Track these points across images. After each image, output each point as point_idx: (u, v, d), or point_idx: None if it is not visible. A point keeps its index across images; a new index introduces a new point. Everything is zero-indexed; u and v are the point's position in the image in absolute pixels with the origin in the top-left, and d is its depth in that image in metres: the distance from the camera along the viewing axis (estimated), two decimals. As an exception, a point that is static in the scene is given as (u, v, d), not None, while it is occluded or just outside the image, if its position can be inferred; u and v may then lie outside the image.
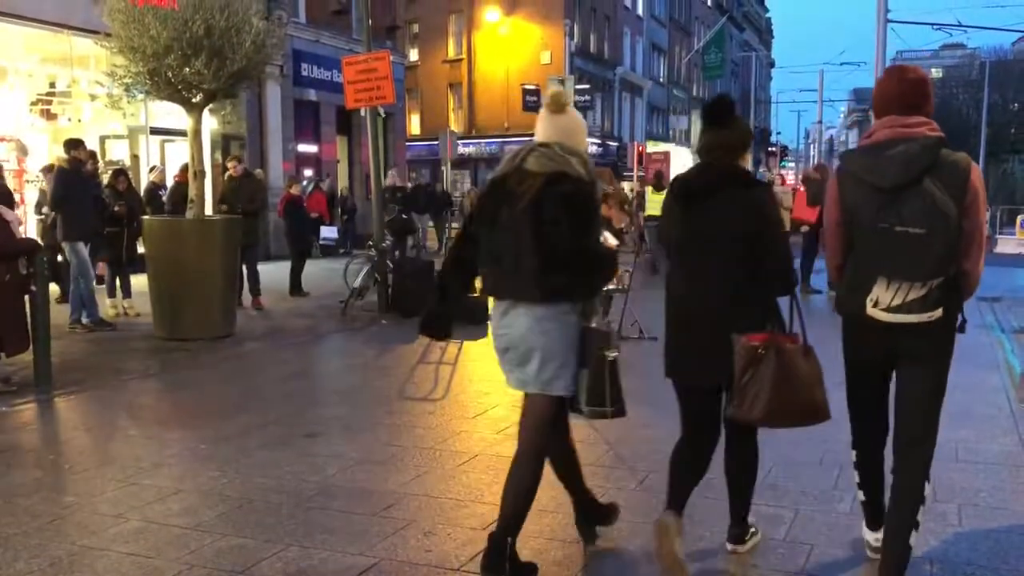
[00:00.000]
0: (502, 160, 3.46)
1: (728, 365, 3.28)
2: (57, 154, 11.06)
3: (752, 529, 3.73)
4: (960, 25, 27.38)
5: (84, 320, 9.30)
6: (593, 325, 3.38)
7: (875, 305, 3.12)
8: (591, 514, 3.81)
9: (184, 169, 11.52)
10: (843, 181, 3.25)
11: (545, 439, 3.45)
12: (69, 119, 14.62)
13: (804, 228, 12.40)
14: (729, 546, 3.69)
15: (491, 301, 3.46)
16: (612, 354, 3.34)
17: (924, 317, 3.06)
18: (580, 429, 5.71)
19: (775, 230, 3.41)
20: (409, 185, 22.53)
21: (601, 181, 9.06)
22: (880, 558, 3.29)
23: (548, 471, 4.76)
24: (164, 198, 12.25)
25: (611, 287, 9.42)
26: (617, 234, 8.71)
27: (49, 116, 14.53)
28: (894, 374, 3.31)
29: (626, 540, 3.83)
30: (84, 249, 9.20)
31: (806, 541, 3.81)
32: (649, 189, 18.17)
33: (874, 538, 3.55)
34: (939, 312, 3.06)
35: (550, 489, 4.47)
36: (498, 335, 3.42)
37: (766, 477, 4.67)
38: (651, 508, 4.19)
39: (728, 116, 3.49)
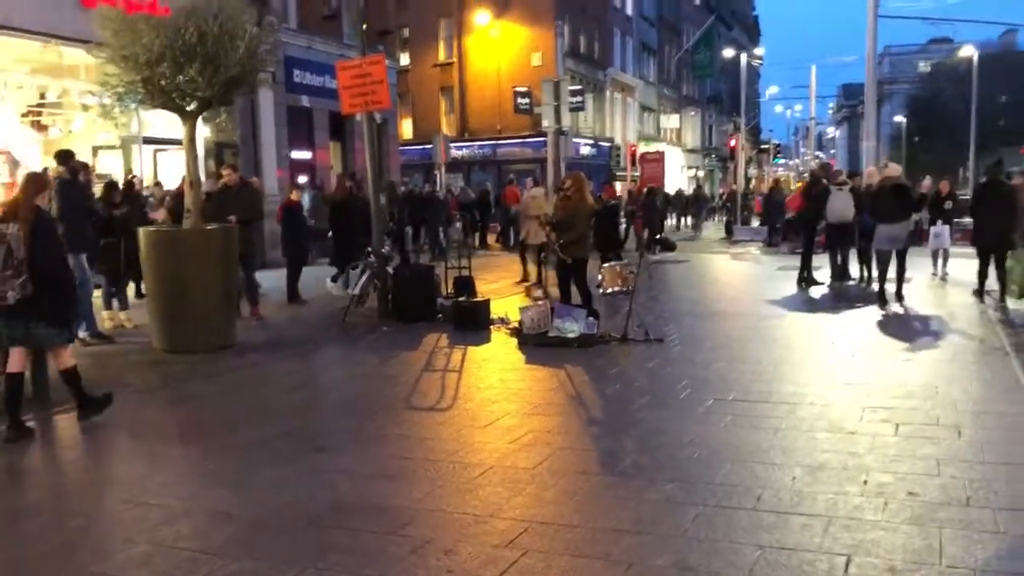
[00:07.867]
0: (873, 180, 12.86)
1: (1004, 244, 10.97)
2: (48, 166, 10.87)
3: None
4: (949, 19, 27.45)
5: (82, 333, 9.12)
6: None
7: None
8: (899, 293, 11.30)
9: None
10: None
11: (906, 257, 11.39)
12: (60, 130, 14.45)
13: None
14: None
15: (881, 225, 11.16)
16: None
17: None
18: (590, 448, 5.58)
19: (1015, 200, 10.95)
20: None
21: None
22: None
23: (579, 502, 4.62)
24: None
25: (615, 288, 9.34)
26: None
27: (40, 127, 14.36)
28: None
29: (652, 555, 3.70)
30: (84, 261, 9.03)
31: (841, 552, 3.68)
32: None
33: None
34: None
35: (568, 503, 4.35)
36: (887, 231, 10.96)
37: (793, 483, 4.55)
38: (675, 520, 4.05)
39: (997, 164, 12.38)
